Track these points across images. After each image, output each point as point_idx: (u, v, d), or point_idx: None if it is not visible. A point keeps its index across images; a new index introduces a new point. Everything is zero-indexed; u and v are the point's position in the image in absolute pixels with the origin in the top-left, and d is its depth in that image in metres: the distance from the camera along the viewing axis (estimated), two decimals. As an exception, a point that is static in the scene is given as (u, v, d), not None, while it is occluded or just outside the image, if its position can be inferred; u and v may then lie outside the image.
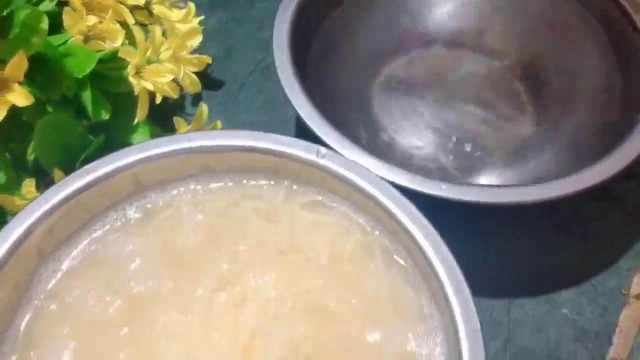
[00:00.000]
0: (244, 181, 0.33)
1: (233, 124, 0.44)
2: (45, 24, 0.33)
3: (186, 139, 0.32)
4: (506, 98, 0.45)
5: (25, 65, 0.32)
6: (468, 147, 0.43)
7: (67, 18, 0.36)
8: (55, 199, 0.31)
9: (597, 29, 0.43)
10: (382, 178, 0.30)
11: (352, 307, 0.30)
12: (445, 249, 0.28)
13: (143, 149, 0.32)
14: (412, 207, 0.29)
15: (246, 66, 0.48)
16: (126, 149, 0.32)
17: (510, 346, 0.36)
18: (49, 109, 0.37)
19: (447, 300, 0.27)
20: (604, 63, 0.42)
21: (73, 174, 0.32)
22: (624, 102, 0.39)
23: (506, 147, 0.42)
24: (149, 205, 0.33)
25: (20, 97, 0.32)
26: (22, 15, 0.34)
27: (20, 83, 0.32)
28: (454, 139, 0.43)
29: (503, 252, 0.39)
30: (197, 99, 0.46)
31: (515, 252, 0.39)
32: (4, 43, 0.32)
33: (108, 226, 0.33)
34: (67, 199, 0.31)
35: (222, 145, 0.32)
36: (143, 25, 0.42)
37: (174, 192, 0.33)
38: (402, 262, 0.31)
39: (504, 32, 0.46)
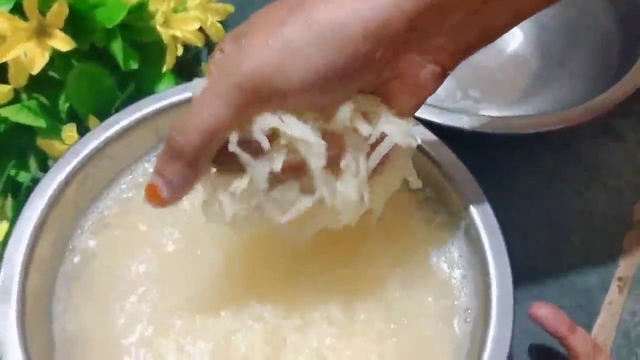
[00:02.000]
0: None
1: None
2: (79, -26, 0.35)
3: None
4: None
5: (65, 12, 0.33)
6: (475, 89, 0.45)
7: (96, -31, 0.37)
8: (84, 153, 0.32)
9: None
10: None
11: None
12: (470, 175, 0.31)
13: (162, 98, 0.34)
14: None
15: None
16: (146, 99, 0.34)
17: (525, 269, 0.38)
18: (74, 62, 0.39)
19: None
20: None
21: (98, 127, 0.33)
22: (623, 42, 0.42)
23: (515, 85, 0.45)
24: None
25: (62, 42, 0.34)
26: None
27: (60, 29, 0.34)
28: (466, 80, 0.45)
29: (517, 179, 0.42)
30: (215, 52, 0.47)
31: (528, 180, 0.42)
32: (43, -8, 0.33)
33: (135, 178, 0.34)
34: (94, 153, 0.33)
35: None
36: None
37: None
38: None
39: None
